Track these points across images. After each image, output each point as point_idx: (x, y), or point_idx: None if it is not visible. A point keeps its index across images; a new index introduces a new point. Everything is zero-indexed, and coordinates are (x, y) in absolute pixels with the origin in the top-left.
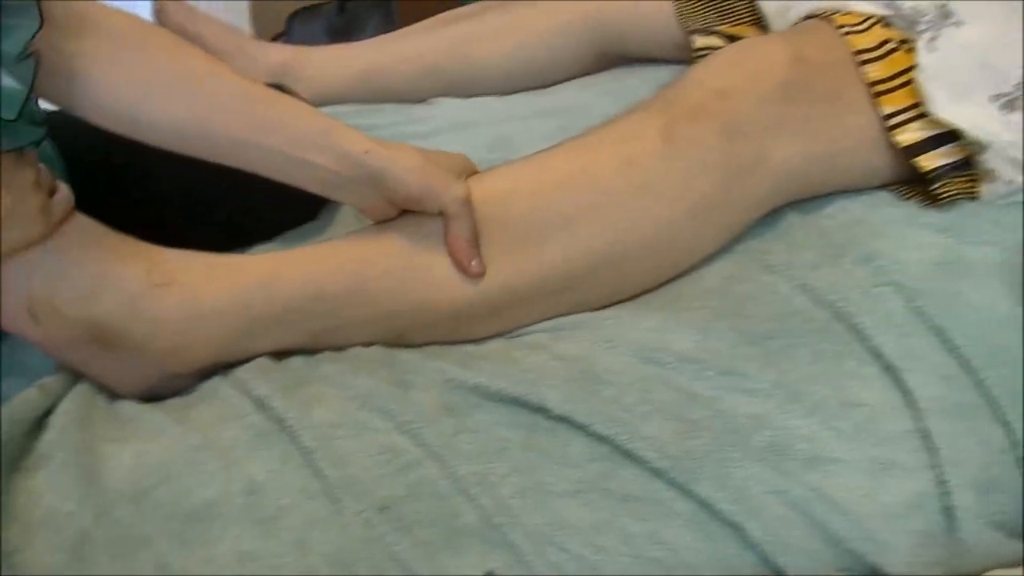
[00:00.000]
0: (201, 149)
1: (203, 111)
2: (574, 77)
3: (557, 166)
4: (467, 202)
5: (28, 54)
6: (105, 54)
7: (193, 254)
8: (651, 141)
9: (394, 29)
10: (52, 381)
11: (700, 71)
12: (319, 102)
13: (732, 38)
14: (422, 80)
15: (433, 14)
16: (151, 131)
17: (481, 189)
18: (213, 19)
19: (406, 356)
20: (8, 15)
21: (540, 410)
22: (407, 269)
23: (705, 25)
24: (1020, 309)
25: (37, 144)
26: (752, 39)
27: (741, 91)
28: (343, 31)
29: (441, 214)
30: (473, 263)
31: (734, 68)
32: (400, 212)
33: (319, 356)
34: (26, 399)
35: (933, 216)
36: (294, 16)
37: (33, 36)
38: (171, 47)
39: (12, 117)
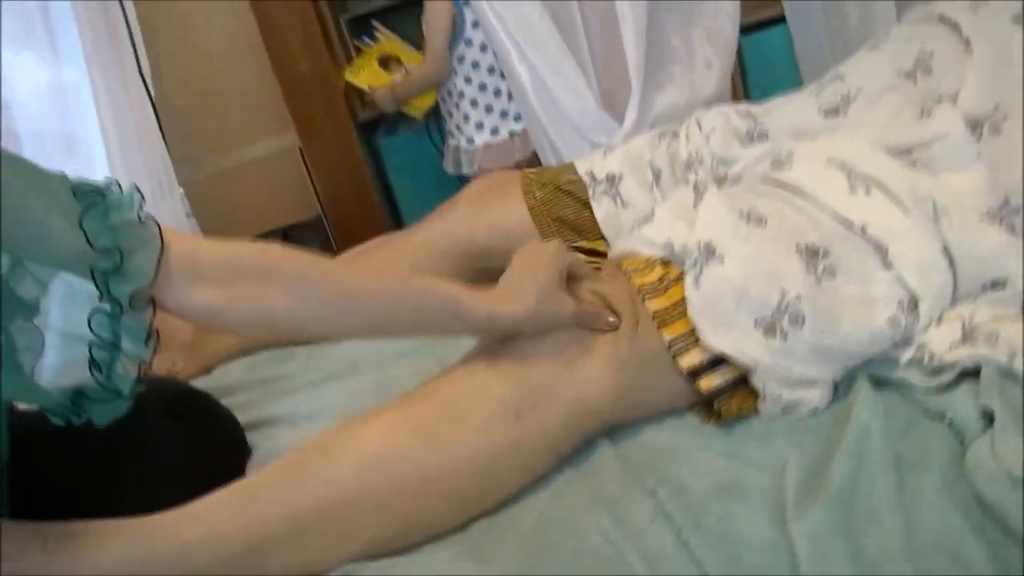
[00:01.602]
0: (374, 335)
1: (359, 323)
2: None
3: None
4: (578, 310)
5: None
6: (282, 293)
7: (80, 523)
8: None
9: (333, 248)
10: None
11: None
12: (243, 348)
13: (590, 252)
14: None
15: (364, 229)
16: (338, 335)
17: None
18: None
19: None
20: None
21: None
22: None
23: (568, 241)
24: (776, 531)
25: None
26: None
27: (526, 352)
28: None
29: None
30: (610, 321)
31: None
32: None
33: None
34: None
35: (724, 441)
36: None
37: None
38: (321, 270)
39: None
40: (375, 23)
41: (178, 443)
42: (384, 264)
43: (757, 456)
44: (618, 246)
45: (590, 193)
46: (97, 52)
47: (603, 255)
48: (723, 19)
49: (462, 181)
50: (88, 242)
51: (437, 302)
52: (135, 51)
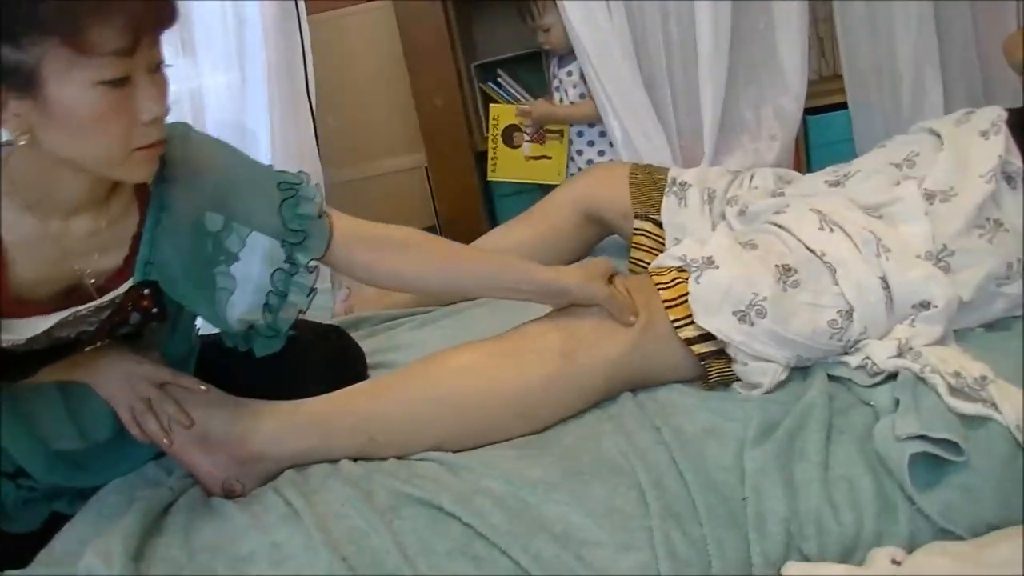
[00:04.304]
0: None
1: (461, 282)
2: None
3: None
4: (610, 295)
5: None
6: (411, 261)
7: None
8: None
9: None
10: (175, 482)
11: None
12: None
13: (658, 223)
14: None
15: (468, 241)
16: (452, 295)
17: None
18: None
19: (377, 476)
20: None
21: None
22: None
23: (643, 212)
24: (736, 459)
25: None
26: None
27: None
28: None
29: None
30: (630, 319)
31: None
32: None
33: (326, 474)
34: (162, 494)
35: (714, 403)
36: None
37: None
38: (440, 247)
39: (303, 307)
40: (499, 71)
41: (322, 358)
42: (522, 227)
43: (734, 414)
44: (655, 261)
45: (667, 189)
46: (278, 71)
47: (658, 224)
48: (790, 99)
49: None
50: (283, 223)
51: (518, 270)
52: (306, 73)
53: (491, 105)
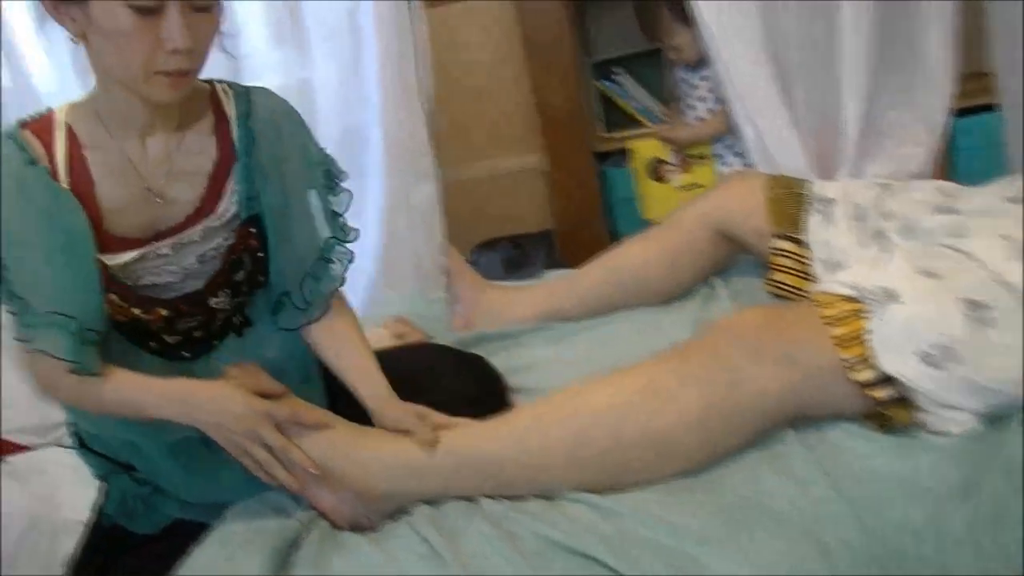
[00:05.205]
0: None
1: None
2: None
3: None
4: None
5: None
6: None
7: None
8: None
9: (556, 260)
10: (302, 514)
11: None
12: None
13: (798, 241)
14: (587, 312)
15: (586, 248)
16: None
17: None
18: (468, 268)
19: (519, 516)
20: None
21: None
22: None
23: (779, 229)
24: (929, 522)
25: None
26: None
27: (730, 331)
28: (516, 262)
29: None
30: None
31: (732, 324)
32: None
33: (463, 511)
34: (291, 525)
35: (894, 447)
36: (478, 247)
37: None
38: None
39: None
40: (616, 69)
41: (464, 385)
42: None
43: (921, 464)
44: (818, 286)
45: (809, 206)
46: (389, 65)
47: (799, 243)
48: (936, 100)
49: None
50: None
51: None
52: (419, 68)
53: (628, 142)
